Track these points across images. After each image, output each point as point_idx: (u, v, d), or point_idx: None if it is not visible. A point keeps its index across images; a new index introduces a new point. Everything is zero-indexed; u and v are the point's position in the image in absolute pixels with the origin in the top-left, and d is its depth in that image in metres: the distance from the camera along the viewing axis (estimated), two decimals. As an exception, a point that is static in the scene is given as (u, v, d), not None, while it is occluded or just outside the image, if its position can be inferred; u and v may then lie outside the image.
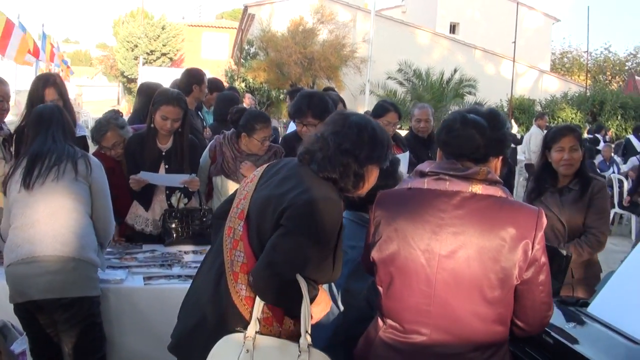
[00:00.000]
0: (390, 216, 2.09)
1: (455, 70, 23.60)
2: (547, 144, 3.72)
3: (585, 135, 14.47)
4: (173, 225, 3.97)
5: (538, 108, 24.14)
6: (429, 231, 2.00)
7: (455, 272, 1.96)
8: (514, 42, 23.40)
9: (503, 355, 2.03)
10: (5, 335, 2.80)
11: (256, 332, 2.13)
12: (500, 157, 2.17)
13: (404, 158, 4.84)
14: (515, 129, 19.26)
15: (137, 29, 36.27)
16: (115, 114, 4.11)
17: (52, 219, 2.93)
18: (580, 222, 3.56)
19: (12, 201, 3.04)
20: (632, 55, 37.27)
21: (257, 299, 2.14)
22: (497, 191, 2.02)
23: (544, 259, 1.99)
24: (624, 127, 21.38)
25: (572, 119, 21.80)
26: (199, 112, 5.96)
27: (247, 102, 11.54)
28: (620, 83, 33.08)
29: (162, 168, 4.02)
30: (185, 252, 3.82)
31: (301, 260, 2.09)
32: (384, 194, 2.20)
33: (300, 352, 2.09)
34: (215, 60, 38.67)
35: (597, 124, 19.10)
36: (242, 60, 23.78)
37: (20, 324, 2.98)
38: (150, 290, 3.16)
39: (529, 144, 12.96)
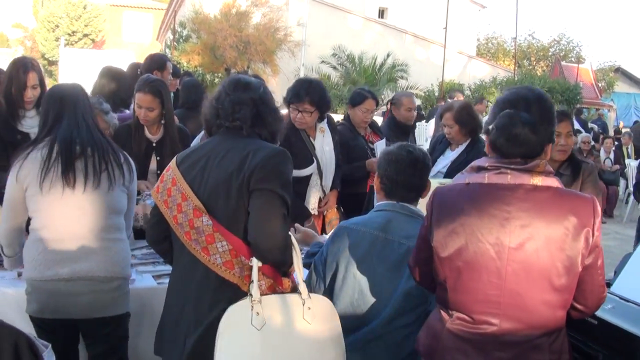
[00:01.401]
0: (454, 211, 2.11)
1: (388, 55, 23.87)
2: None
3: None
4: (165, 219, 3.80)
5: (467, 92, 24.80)
6: (496, 225, 2.03)
7: (525, 263, 2.01)
8: (445, 28, 23.89)
9: (563, 337, 2.12)
10: (35, 352, 2.59)
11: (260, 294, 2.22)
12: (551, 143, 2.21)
13: (381, 145, 4.85)
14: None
15: (58, 8, 34.62)
16: (98, 99, 3.88)
17: (99, 235, 2.69)
18: None
19: (34, 195, 2.66)
20: (555, 42, 38.81)
21: (254, 264, 2.22)
22: (554, 182, 2.08)
23: (600, 245, 2.08)
24: (550, 110, 22.26)
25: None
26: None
27: None
28: (545, 68, 34.41)
29: (154, 160, 3.84)
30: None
31: (286, 209, 2.28)
32: (442, 190, 2.21)
33: (303, 299, 2.27)
34: (139, 42, 37.50)
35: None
36: (174, 43, 23.12)
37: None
38: (164, 290, 2.96)
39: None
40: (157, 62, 5.31)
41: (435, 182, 2.74)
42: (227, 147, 2.39)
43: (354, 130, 4.81)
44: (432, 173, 3.96)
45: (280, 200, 2.27)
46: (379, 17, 30.84)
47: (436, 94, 24.45)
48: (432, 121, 13.58)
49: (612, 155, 12.32)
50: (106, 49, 32.49)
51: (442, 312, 2.19)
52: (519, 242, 2.01)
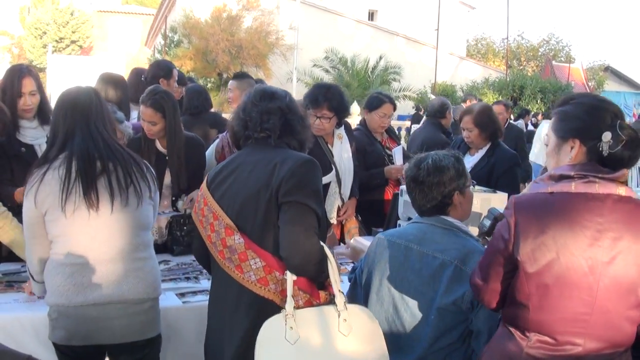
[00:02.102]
0: (541, 223, 1.96)
1: (380, 58, 23.83)
2: None
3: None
4: (181, 233, 3.64)
5: (460, 93, 24.79)
6: (589, 237, 1.92)
7: (615, 278, 1.92)
8: (437, 29, 23.91)
9: (629, 353, 2.05)
10: None
11: (294, 308, 2.19)
12: None
13: (398, 151, 4.71)
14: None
15: (45, 14, 34.33)
16: (112, 108, 3.70)
17: (129, 256, 2.50)
18: None
19: (56, 220, 2.46)
20: (545, 42, 39.01)
21: (289, 278, 2.20)
22: (631, 192, 1.98)
23: None
24: (543, 110, 22.34)
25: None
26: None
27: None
28: (535, 68, 34.53)
29: (168, 174, 3.67)
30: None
31: (316, 221, 2.25)
32: (523, 200, 2.05)
33: (339, 311, 2.22)
34: (127, 48, 37.24)
35: (523, 108, 19.76)
36: (166, 48, 22.94)
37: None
38: (190, 309, 2.83)
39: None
40: (163, 70, 5.12)
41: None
42: (254, 160, 2.36)
43: (371, 136, 4.65)
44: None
45: (310, 211, 2.23)
46: (368, 19, 30.82)
47: (429, 95, 24.42)
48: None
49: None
50: (94, 55, 32.25)
51: (516, 333, 2.05)
52: (612, 256, 1.91)
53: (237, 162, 2.41)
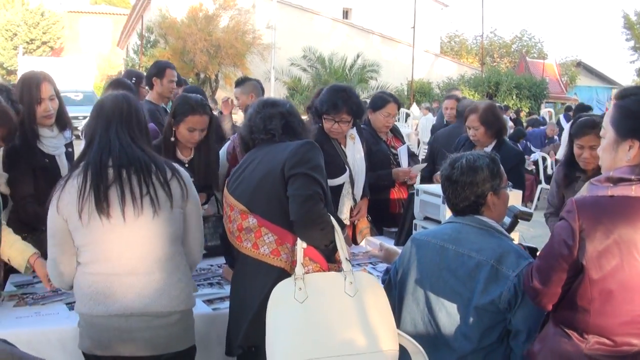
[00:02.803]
0: (605, 228, 1.94)
1: (357, 56, 23.85)
2: (571, 137, 3.69)
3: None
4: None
5: (436, 90, 24.96)
6: None
7: None
8: (413, 27, 23.99)
9: None
10: None
11: (304, 273, 2.35)
12: None
13: (403, 151, 4.70)
14: (417, 111, 19.77)
15: (15, 15, 33.66)
16: None
17: (151, 267, 2.40)
18: None
19: (76, 229, 2.39)
20: (517, 38, 39.37)
21: (299, 246, 2.41)
22: None
23: None
24: (519, 105, 22.56)
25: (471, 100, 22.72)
26: (166, 109, 5.47)
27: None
28: (508, 65, 34.88)
29: None
30: (218, 266, 3.44)
31: (320, 189, 2.48)
32: (586, 204, 2.02)
33: (345, 274, 2.35)
34: (98, 49, 36.71)
35: (503, 104, 19.95)
36: (142, 48, 22.64)
37: None
38: (221, 316, 2.75)
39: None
40: (157, 68, 5.14)
41: None
42: (262, 153, 2.67)
43: (376, 136, 4.63)
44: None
45: (314, 181, 2.48)
46: (343, 17, 30.82)
47: (406, 93, 24.54)
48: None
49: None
50: (65, 57, 31.76)
51: (573, 335, 2.04)
52: None
53: (248, 160, 2.71)
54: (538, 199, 10.94)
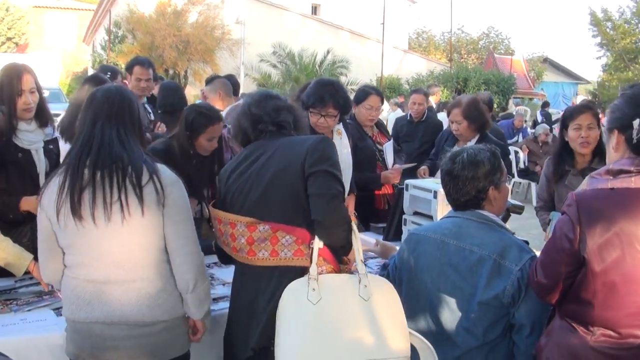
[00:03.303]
0: (605, 221, 1.95)
1: (328, 52, 23.82)
2: (565, 122, 3.68)
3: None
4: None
5: (406, 86, 25.06)
6: None
7: None
8: (383, 23, 24.06)
9: None
10: None
11: (317, 274, 2.30)
12: None
13: (388, 147, 4.68)
14: (387, 107, 19.84)
15: (-22, 10, 32.86)
16: None
17: (129, 275, 2.27)
18: None
19: (58, 231, 2.30)
20: (485, 35, 39.82)
21: (315, 245, 2.32)
22: None
23: None
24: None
25: (440, 95, 22.89)
26: (145, 105, 5.36)
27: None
28: (476, 61, 35.24)
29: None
30: (207, 266, 3.35)
31: (341, 187, 2.39)
32: (586, 197, 2.03)
33: (360, 277, 2.31)
34: (63, 45, 36.02)
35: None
36: (110, 44, 22.23)
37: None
38: (214, 318, 2.66)
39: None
40: (127, 63, 5.12)
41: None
42: (272, 146, 2.50)
43: (362, 131, 4.59)
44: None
45: (336, 179, 2.38)
46: (312, 13, 30.72)
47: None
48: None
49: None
50: (30, 53, 31.06)
51: (579, 328, 2.05)
52: None
53: (250, 156, 2.53)
54: (511, 192, 11.08)
